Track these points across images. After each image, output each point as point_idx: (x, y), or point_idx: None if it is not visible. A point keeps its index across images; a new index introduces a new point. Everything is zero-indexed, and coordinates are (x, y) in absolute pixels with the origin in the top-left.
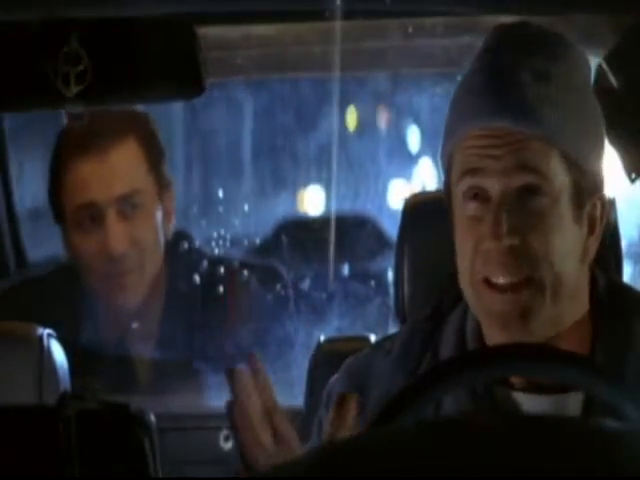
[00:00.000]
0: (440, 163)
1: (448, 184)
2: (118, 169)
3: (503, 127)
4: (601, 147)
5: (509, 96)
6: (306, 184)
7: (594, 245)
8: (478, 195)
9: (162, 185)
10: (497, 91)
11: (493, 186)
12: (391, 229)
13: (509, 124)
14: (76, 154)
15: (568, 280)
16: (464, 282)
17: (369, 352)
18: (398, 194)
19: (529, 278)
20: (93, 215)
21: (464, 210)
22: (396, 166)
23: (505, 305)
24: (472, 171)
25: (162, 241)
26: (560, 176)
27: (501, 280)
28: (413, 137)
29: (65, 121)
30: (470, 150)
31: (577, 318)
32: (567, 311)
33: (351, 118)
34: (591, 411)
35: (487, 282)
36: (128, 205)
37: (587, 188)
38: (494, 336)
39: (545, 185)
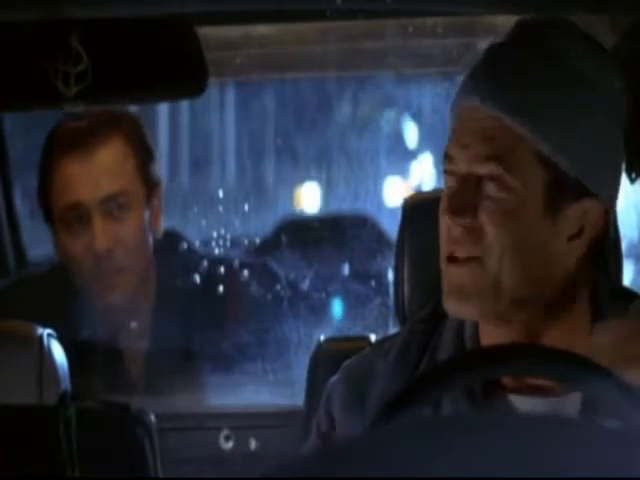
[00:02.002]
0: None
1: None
2: (104, 169)
3: (475, 107)
4: (604, 153)
5: (492, 79)
6: (302, 181)
7: (579, 249)
8: (451, 174)
9: (150, 185)
10: (485, 74)
11: (460, 170)
12: (388, 226)
13: (477, 102)
14: (63, 154)
15: (534, 273)
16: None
17: (368, 354)
18: (394, 192)
19: (484, 254)
20: (79, 215)
21: (445, 190)
22: (393, 164)
23: (451, 277)
24: (447, 155)
25: (150, 241)
26: (531, 171)
27: (460, 255)
28: (411, 136)
29: (58, 120)
30: (454, 132)
31: (578, 318)
32: (554, 300)
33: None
34: (589, 413)
35: (449, 257)
36: (114, 205)
37: (568, 191)
38: (488, 335)
39: (507, 176)
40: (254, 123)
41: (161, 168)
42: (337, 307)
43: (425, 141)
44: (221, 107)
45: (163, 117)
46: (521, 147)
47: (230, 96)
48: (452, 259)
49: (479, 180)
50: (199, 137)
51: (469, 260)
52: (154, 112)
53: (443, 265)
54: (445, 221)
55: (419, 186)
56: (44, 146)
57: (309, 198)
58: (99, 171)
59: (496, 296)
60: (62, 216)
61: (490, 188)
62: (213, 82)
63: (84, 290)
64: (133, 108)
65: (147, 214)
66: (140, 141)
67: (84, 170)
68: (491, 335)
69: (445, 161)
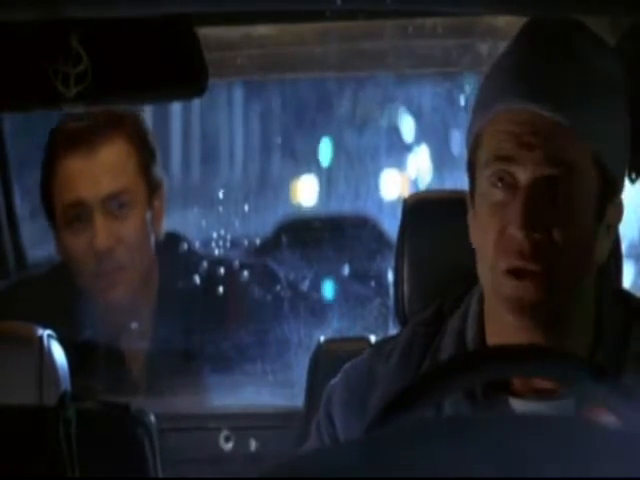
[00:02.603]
0: (465, 143)
1: (472, 165)
2: (106, 168)
3: (530, 111)
4: (625, 151)
5: (541, 81)
6: (299, 174)
7: (606, 250)
8: (505, 181)
9: (152, 185)
10: (530, 73)
11: (523, 174)
12: (386, 221)
13: (538, 109)
14: (66, 152)
15: (581, 278)
16: (483, 267)
17: (368, 357)
18: (391, 186)
19: (547, 269)
20: (81, 213)
21: (489, 196)
22: (391, 160)
23: (521, 292)
24: (504, 158)
25: (152, 241)
26: (588, 172)
27: (521, 267)
28: (409, 133)
29: (60, 120)
30: (502, 136)
31: (582, 319)
32: (575, 308)
33: (325, 150)
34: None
35: (508, 269)
36: (116, 204)
37: (610, 189)
38: (497, 334)
39: (573, 179)
40: (259, 120)
41: (174, 164)
42: (337, 308)
43: (422, 136)
44: (220, 107)
45: (176, 116)
46: (580, 149)
47: (237, 95)
48: (515, 272)
49: (545, 187)
50: (209, 133)
51: (531, 272)
52: (167, 111)
53: (493, 274)
54: (512, 233)
55: (416, 183)
56: (47, 144)
57: (306, 192)
58: (101, 169)
59: (554, 306)
60: (63, 214)
61: (559, 196)
62: (219, 82)
63: (85, 289)
64: (136, 108)
65: (149, 214)
66: (142, 141)
67: (86, 168)
68: (498, 336)
69: (495, 162)
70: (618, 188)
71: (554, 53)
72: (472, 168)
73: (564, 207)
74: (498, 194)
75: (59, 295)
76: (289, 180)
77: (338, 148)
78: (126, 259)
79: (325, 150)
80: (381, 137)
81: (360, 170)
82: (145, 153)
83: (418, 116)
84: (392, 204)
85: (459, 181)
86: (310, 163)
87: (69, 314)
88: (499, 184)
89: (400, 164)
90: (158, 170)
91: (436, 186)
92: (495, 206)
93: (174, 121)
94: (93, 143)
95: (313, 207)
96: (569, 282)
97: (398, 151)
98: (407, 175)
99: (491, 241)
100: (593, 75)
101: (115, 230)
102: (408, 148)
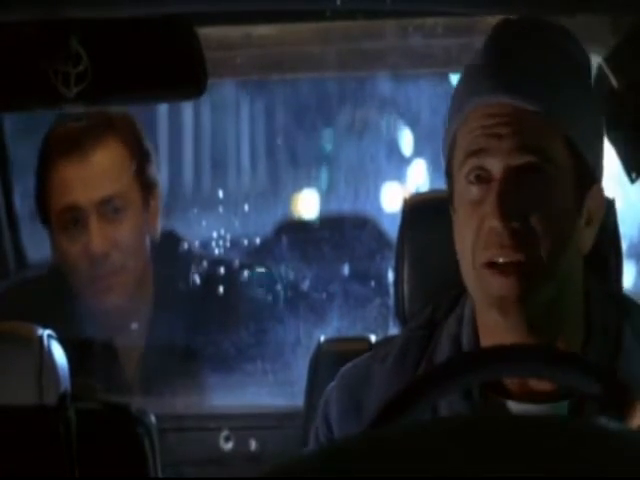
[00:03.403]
0: (442, 152)
1: (450, 170)
2: (101, 171)
3: (503, 103)
4: (601, 139)
5: (510, 73)
6: (300, 188)
7: (590, 238)
8: (480, 177)
9: (147, 187)
10: (499, 68)
11: (495, 165)
12: (388, 231)
13: (508, 99)
14: (60, 156)
15: (564, 266)
16: (466, 266)
17: (365, 359)
18: (392, 197)
19: (528, 259)
20: (76, 217)
21: (466, 194)
22: (391, 169)
23: (504, 287)
24: (476, 152)
25: (147, 243)
26: (562, 159)
27: (501, 260)
28: (407, 139)
29: (55, 122)
30: (474, 132)
31: (572, 317)
32: (562, 297)
33: (300, 204)
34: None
35: (488, 263)
36: (111, 207)
37: (587, 177)
38: (489, 335)
39: (547, 166)
40: (255, 122)
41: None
42: (337, 308)
43: (421, 143)
44: (221, 107)
45: (188, 117)
46: (552, 136)
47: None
48: (492, 265)
49: (519, 176)
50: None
51: (512, 265)
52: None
53: (475, 271)
54: (490, 225)
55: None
56: (40, 148)
57: (306, 205)
58: (95, 173)
59: (534, 300)
60: (59, 218)
61: (533, 183)
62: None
63: (81, 292)
64: (132, 109)
65: (144, 216)
66: (137, 143)
67: (80, 172)
68: (490, 338)
69: (468, 159)
70: (595, 176)
71: (520, 45)
72: (450, 171)
73: (540, 195)
74: (474, 191)
75: (60, 295)
76: (288, 193)
77: (338, 154)
78: (121, 263)
79: (325, 160)
80: (381, 144)
81: (355, 176)
82: (139, 155)
83: (416, 120)
84: (391, 201)
85: None
86: (311, 175)
87: (68, 315)
88: (475, 181)
89: (400, 175)
90: (153, 170)
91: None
92: (472, 204)
93: (161, 122)
94: (87, 147)
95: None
96: (552, 272)
97: (398, 160)
98: (405, 187)
99: (469, 239)
100: (560, 61)
101: (110, 234)
102: (406, 161)
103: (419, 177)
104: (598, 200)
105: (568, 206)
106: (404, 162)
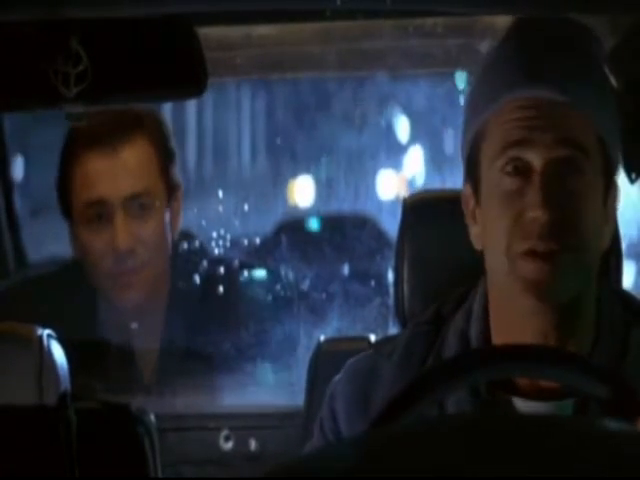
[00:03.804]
0: (461, 143)
1: (475, 161)
2: (129, 167)
3: (537, 97)
4: (620, 139)
5: (544, 66)
6: (295, 175)
7: (608, 237)
8: (518, 168)
9: (171, 187)
10: (531, 61)
11: (536, 158)
12: (384, 222)
13: (548, 93)
14: (86, 150)
15: (591, 260)
16: (497, 255)
17: (371, 354)
18: (387, 186)
19: (564, 249)
20: (101, 212)
21: (501, 185)
22: (388, 161)
23: (543, 272)
24: (514, 144)
25: (169, 242)
26: (594, 155)
27: (541, 248)
28: (404, 133)
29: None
30: (511, 123)
31: (585, 317)
32: (585, 291)
33: (297, 192)
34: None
35: (528, 252)
36: (137, 204)
37: (612, 175)
38: (503, 331)
39: (583, 160)
40: (255, 119)
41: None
42: (337, 307)
43: (419, 139)
44: (221, 106)
45: (191, 114)
46: (588, 132)
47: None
48: (532, 253)
49: (559, 168)
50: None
51: (551, 253)
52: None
53: (510, 259)
54: (532, 215)
55: (412, 182)
56: (65, 141)
57: (303, 192)
58: (123, 169)
59: (568, 286)
60: (82, 212)
61: (572, 176)
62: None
63: (99, 288)
64: (151, 107)
65: (167, 216)
66: (163, 142)
67: (108, 167)
68: (505, 333)
69: (506, 150)
70: (616, 170)
71: (548, 41)
72: (474, 164)
73: (576, 188)
74: (512, 182)
75: (60, 295)
76: (286, 181)
77: (336, 148)
78: (145, 260)
79: (323, 151)
80: (379, 137)
81: (358, 167)
82: (165, 154)
83: (416, 115)
84: (389, 195)
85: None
86: (308, 164)
87: (71, 314)
88: (512, 172)
89: (397, 164)
90: (176, 171)
91: (437, 184)
92: (509, 194)
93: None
94: (115, 142)
95: (310, 208)
96: (583, 264)
97: (395, 151)
98: (404, 175)
99: (504, 229)
100: (587, 59)
101: (135, 230)
102: (403, 149)
103: (415, 166)
104: (616, 199)
105: (597, 201)
106: (400, 150)
